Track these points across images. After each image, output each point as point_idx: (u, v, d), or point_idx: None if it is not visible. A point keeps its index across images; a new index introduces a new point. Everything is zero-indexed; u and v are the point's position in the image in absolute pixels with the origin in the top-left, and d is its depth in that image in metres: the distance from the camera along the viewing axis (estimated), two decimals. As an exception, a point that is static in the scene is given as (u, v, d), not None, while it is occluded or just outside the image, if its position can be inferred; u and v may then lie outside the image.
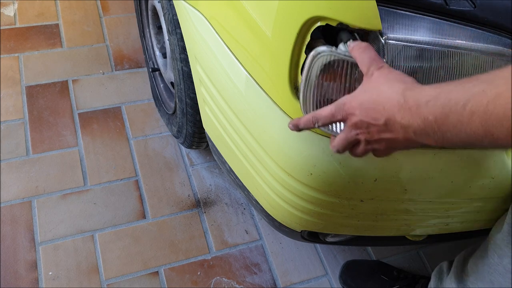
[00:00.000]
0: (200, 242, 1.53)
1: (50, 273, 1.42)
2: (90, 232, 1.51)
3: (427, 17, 0.79)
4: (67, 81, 1.89)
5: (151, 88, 1.83)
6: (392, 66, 0.78)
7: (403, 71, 0.79)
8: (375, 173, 0.90)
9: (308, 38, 0.81)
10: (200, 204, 1.61)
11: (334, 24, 0.76)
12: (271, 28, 0.85)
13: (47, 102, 1.81)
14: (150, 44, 1.79)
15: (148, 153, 1.72)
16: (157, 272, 1.46)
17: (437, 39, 0.79)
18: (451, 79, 0.81)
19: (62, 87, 1.86)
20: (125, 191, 1.61)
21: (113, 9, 2.17)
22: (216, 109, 1.10)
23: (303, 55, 0.82)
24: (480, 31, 0.81)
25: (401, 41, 0.77)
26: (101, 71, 1.94)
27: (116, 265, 1.45)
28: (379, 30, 0.76)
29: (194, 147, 1.58)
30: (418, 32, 0.79)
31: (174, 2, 1.20)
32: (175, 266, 1.48)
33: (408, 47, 0.78)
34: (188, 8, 1.10)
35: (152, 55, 1.78)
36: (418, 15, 0.79)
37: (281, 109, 0.90)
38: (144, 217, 1.56)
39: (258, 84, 0.93)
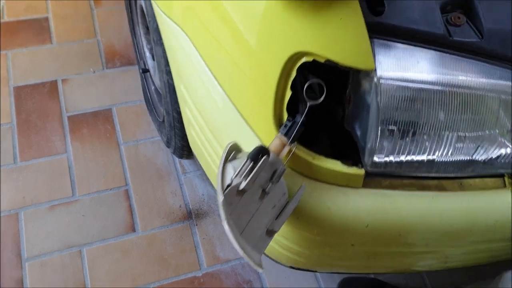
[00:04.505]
0: (191, 257, 1.47)
1: (36, 290, 1.37)
2: (78, 247, 1.45)
3: (428, 49, 0.68)
4: (56, 81, 1.80)
5: (142, 90, 1.74)
6: (386, 111, 0.68)
7: (398, 117, 0.69)
8: (367, 218, 0.81)
9: (293, 73, 0.71)
10: (192, 215, 1.54)
11: (322, 60, 0.67)
12: (255, 62, 0.75)
13: (35, 104, 1.74)
14: (140, 43, 1.69)
15: (139, 160, 1.64)
16: (146, 289, 1.41)
17: (438, 76, 0.68)
18: (452, 125, 0.70)
19: (51, 88, 1.78)
20: (114, 202, 1.55)
21: (105, 1, 2.06)
22: (201, 134, 1.01)
23: (289, 91, 0.73)
24: (487, 65, 0.70)
25: (397, 80, 0.67)
26: (91, 69, 1.85)
27: (104, 283, 1.40)
28: (372, 69, 0.66)
29: (184, 157, 1.50)
30: (417, 68, 0.68)
31: (156, 13, 1.09)
32: (164, 284, 1.42)
33: (404, 88, 0.68)
34: (170, 24, 1.00)
35: (143, 55, 1.68)
36: (417, 47, 0.68)
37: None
38: (133, 230, 1.50)
39: (244, 118, 0.84)
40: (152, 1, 1.08)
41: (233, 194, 0.69)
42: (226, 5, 0.77)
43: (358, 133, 0.77)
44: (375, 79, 0.67)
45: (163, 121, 1.48)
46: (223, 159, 0.73)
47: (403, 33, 0.66)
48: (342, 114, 0.78)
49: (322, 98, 0.68)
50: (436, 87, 0.67)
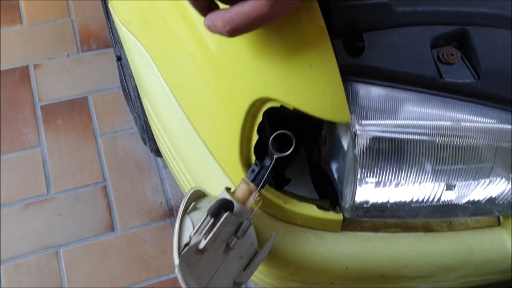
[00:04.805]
0: (172, 257, 1.41)
1: (12, 295, 1.33)
2: (54, 248, 1.40)
3: (413, 92, 0.59)
4: (27, 66, 1.69)
5: (119, 78, 1.63)
6: (364, 164, 0.60)
7: (378, 169, 0.61)
8: (346, 261, 0.75)
9: (260, 117, 0.62)
10: (174, 213, 1.48)
11: (290, 108, 0.58)
12: (218, 99, 0.66)
13: (6, 93, 1.63)
14: (114, 27, 1.57)
15: (117, 153, 1.56)
16: (126, 292, 1.36)
17: (425, 122, 0.59)
18: (440, 176, 0.62)
19: (22, 74, 1.67)
20: (92, 199, 1.48)
21: (79, -25, 1.92)
22: (169, 152, 0.93)
23: (256, 134, 0.65)
24: (483, 107, 0.61)
25: (377, 131, 0.58)
26: (65, 53, 1.73)
27: (82, 285, 1.36)
28: (347, 122, 0.57)
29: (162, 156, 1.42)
30: (400, 114, 0.59)
31: (115, 21, 0.99)
32: (144, 286, 1.37)
33: (385, 139, 0.59)
34: (131, 37, 0.90)
35: (118, 41, 1.56)
36: (401, 90, 0.59)
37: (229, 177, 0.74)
38: (112, 229, 1.44)
39: (209, 150, 0.76)
40: (110, 9, 0.97)
41: (192, 253, 0.62)
42: (188, 39, 0.67)
43: (335, 175, 0.69)
44: (352, 130, 0.58)
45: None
46: (181, 211, 0.65)
47: (385, 75, 0.57)
48: (318, 154, 0.70)
49: (290, 151, 0.60)
50: (423, 137, 0.58)
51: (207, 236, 0.61)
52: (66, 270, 1.37)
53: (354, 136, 0.57)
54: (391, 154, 0.59)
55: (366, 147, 0.58)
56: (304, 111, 0.57)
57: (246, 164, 0.69)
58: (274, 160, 0.60)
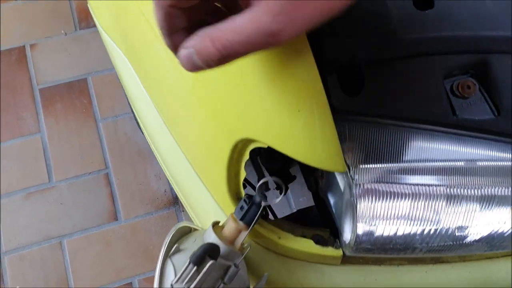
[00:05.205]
0: None
1: (17, 287, 1.32)
2: (57, 239, 1.38)
3: (421, 130, 0.51)
4: (24, 46, 1.62)
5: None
6: (364, 210, 0.53)
7: (380, 213, 0.54)
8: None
9: (246, 156, 0.55)
10: (178, 201, 1.44)
11: (278, 150, 0.51)
12: (202, 132, 0.59)
13: (3, 77, 1.57)
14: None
15: (118, 138, 1.51)
16: (131, 283, 1.35)
17: (432, 164, 0.51)
18: (454, 222, 0.55)
19: (19, 55, 1.61)
20: (94, 187, 1.44)
21: None
22: (161, 161, 0.87)
23: (243, 171, 0.58)
24: (501, 143, 0.52)
25: (377, 175, 0.51)
26: (63, 31, 1.65)
27: (87, 277, 1.34)
28: (343, 172, 0.50)
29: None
30: (406, 154, 0.51)
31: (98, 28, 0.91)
32: (150, 277, 1.36)
33: (387, 192, 0.51)
34: (115, 47, 0.82)
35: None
36: (406, 128, 0.51)
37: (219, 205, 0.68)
38: (116, 218, 1.41)
39: (196, 173, 0.69)
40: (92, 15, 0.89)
41: None
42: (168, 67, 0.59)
43: (333, 209, 0.62)
44: (349, 176, 0.51)
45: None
46: (163, 254, 0.60)
47: (386, 114, 0.48)
48: (316, 185, 0.63)
49: (280, 198, 0.53)
50: (433, 189, 0.50)
51: (190, 285, 0.56)
52: (70, 261, 1.36)
53: (352, 186, 0.50)
54: (394, 200, 0.52)
55: (365, 196, 0.51)
56: (292, 157, 0.49)
57: (236, 197, 0.63)
58: (262, 208, 0.54)
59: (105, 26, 0.91)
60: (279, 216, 1.05)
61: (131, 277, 1.35)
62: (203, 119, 0.58)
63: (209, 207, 0.69)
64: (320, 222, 0.75)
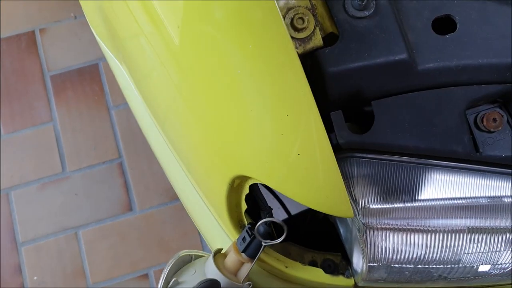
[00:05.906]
0: (193, 239, 1.37)
1: (35, 278, 1.34)
2: (73, 230, 1.38)
3: (439, 167, 0.45)
4: (33, 31, 1.58)
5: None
6: (375, 255, 0.48)
7: (392, 249, 0.49)
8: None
9: (246, 190, 0.51)
10: (192, 191, 1.41)
11: (279, 191, 0.46)
12: (203, 165, 0.55)
13: (14, 63, 1.54)
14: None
15: (131, 127, 1.47)
16: (147, 274, 1.34)
17: (450, 202, 0.46)
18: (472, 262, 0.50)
19: (29, 41, 1.57)
20: (108, 178, 1.42)
21: None
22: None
23: (244, 204, 0.54)
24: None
25: (387, 220, 0.46)
26: (72, 14, 1.60)
27: (103, 268, 1.34)
28: (350, 217, 0.45)
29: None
30: (421, 193, 0.46)
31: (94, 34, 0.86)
32: (165, 269, 1.34)
33: (400, 234, 0.46)
34: (116, 62, 0.77)
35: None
36: (420, 166, 0.45)
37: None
38: (130, 209, 1.40)
39: (199, 192, 0.66)
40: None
41: None
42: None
43: (343, 235, 0.57)
44: (358, 219, 0.46)
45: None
46: (161, 285, 0.57)
47: (399, 152, 0.43)
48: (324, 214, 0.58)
49: (282, 238, 0.48)
50: (451, 229, 0.45)
51: None
52: (86, 252, 1.35)
53: (361, 229, 0.45)
54: (408, 240, 0.47)
55: (376, 238, 0.46)
56: (295, 199, 0.45)
57: (239, 225, 0.59)
58: (262, 247, 0.50)
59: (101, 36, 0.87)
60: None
61: (147, 268, 1.35)
62: (202, 150, 0.54)
63: (215, 230, 0.66)
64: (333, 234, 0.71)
